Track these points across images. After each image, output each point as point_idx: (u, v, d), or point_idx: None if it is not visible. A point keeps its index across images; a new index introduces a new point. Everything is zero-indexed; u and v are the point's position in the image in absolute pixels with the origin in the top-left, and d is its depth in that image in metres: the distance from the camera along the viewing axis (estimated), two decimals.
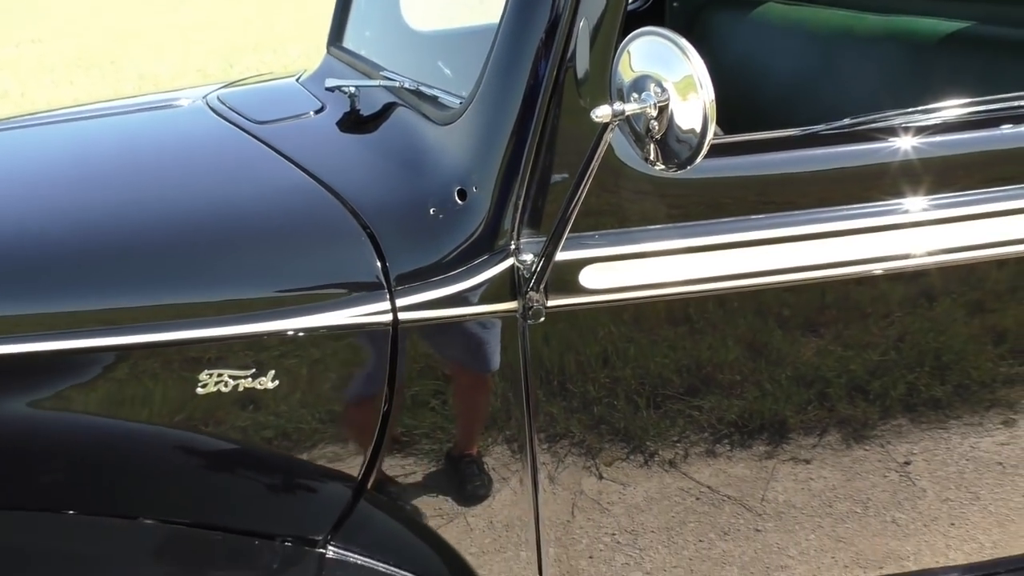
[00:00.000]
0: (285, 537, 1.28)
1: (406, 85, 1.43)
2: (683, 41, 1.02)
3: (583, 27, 1.14)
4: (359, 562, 1.28)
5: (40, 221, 1.37)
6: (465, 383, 1.32)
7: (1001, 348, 1.37)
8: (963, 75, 1.65)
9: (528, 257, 1.17)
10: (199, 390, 1.19)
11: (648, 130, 1.03)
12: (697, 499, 1.37)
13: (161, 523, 1.26)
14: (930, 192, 1.27)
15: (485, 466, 1.30)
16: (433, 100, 1.38)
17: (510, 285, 1.19)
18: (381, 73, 1.56)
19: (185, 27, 12.55)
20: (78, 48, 11.14)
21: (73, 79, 9.45)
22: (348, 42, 1.93)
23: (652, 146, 1.06)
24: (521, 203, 1.18)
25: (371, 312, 1.19)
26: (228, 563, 1.30)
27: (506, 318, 1.21)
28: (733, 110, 1.47)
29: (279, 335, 1.20)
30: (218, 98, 1.75)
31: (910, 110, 1.28)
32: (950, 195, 1.28)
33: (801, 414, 1.34)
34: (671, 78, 1.01)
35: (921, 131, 1.27)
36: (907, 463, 1.40)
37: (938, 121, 1.29)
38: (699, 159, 1.04)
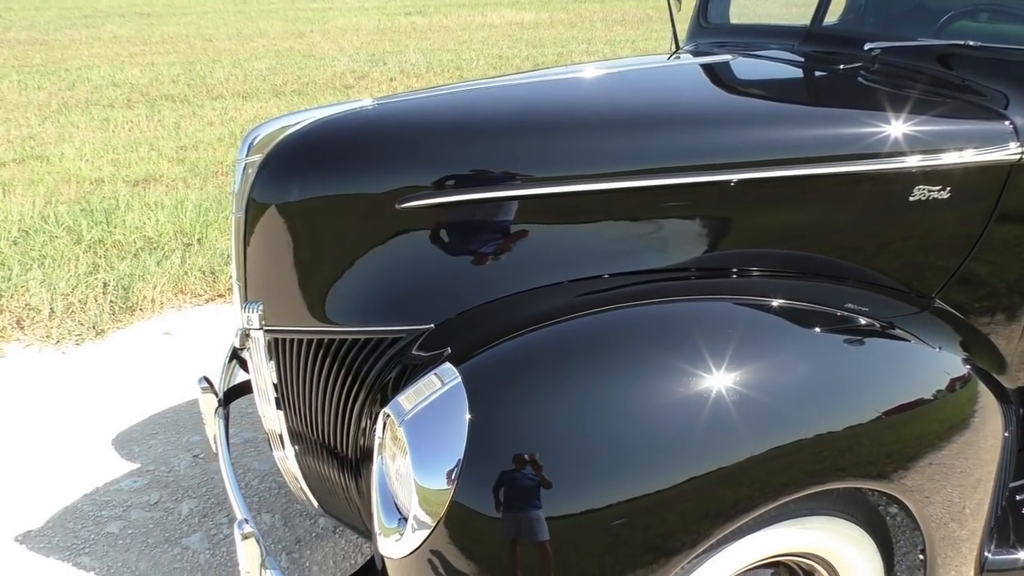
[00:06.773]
0: (912, 291, 1.96)
1: (969, 43, 2.07)
2: None
3: None
4: (950, 311, 1.93)
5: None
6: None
7: None
8: None
9: None
10: (911, 199, 1.87)
11: None
12: None
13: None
14: None
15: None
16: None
17: None
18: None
19: None
20: None
21: None
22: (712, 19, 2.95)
23: None
24: None
25: (1010, 152, 1.89)
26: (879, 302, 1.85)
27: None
28: None
29: (960, 166, 1.88)
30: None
31: None
32: None
33: None
34: None
35: None
36: None
37: None
38: None
